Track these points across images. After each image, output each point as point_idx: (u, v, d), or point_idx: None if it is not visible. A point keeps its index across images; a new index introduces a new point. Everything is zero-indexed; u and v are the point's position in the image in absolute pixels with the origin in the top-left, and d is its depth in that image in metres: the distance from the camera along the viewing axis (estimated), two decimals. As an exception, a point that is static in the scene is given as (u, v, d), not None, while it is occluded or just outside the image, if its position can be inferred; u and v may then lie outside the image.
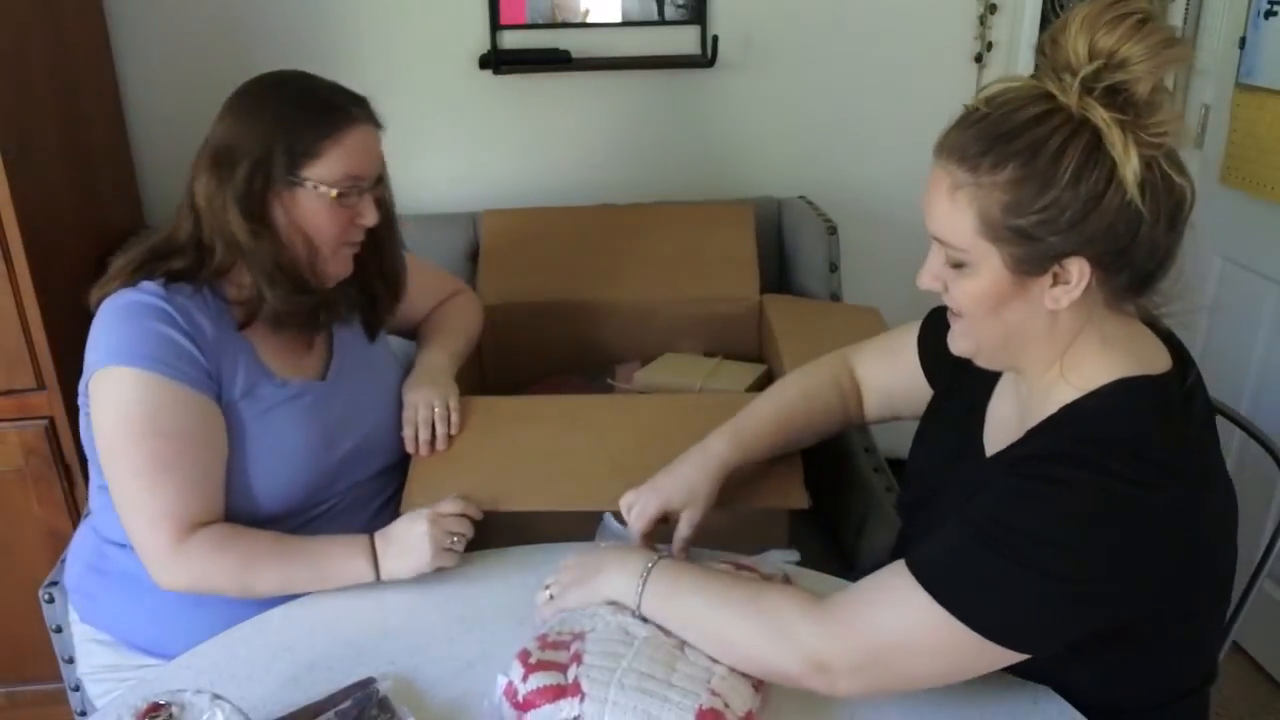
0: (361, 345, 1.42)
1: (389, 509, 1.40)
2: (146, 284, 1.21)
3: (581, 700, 0.94)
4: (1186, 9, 2.25)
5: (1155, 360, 0.96)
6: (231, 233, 1.21)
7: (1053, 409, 0.97)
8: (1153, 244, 0.89)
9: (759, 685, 0.98)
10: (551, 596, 1.10)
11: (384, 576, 1.19)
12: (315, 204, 1.23)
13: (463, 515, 1.23)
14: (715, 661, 0.99)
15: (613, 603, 1.07)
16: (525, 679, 0.97)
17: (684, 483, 1.20)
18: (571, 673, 0.97)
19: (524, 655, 1.00)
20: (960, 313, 0.99)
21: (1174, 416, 0.93)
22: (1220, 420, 1.31)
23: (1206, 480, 0.93)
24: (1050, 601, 0.88)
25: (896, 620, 0.91)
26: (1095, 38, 0.86)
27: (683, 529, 1.18)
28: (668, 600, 1.02)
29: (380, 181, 1.31)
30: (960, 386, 1.16)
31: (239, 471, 1.23)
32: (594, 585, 1.07)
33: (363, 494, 1.38)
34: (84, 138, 1.87)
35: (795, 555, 1.20)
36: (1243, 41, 2.05)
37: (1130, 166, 0.85)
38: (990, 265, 0.92)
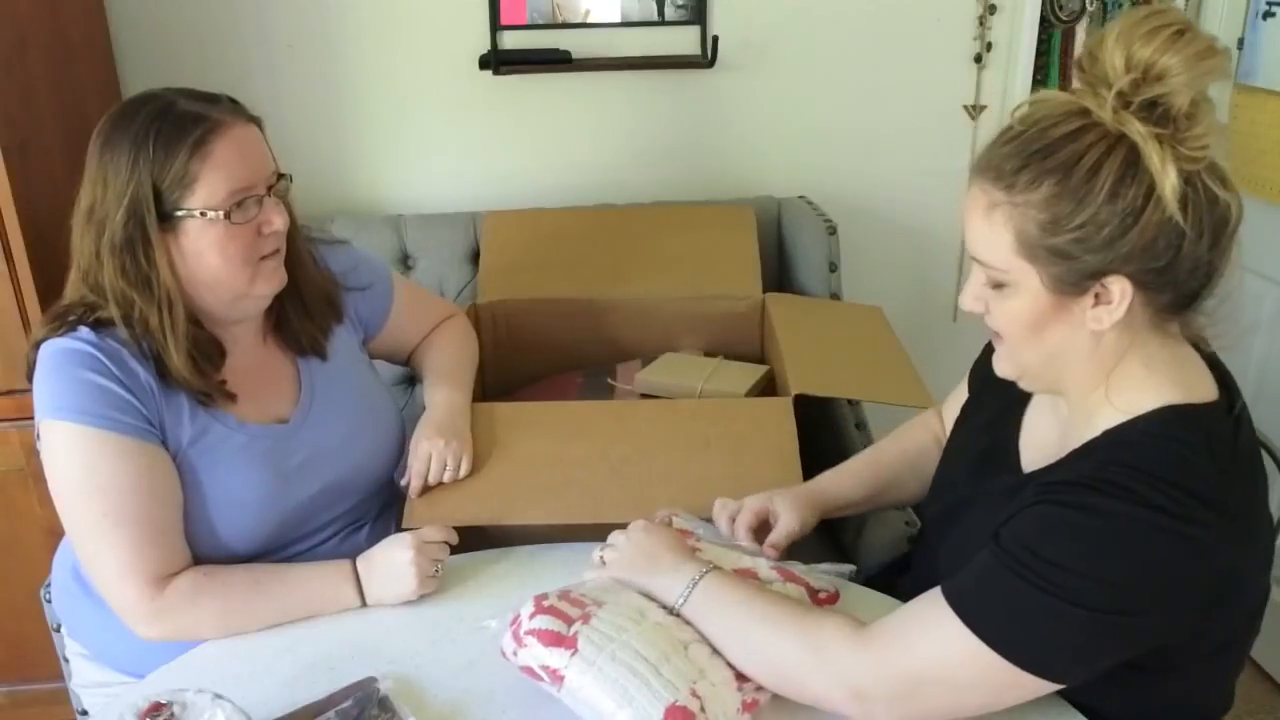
0: (338, 379, 1.35)
1: (379, 526, 1.39)
2: (82, 329, 1.15)
3: (572, 655, 0.97)
4: (1185, 10, 2.25)
5: (1202, 388, 0.94)
6: (120, 289, 1.14)
7: (1095, 432, 0.94)
8: (1195, 261, 0.87)
9: (749, 706, 0.98)
10: (604, 561, 1.11)
11: (370, 602, 1.17)
12: (209, 232, 1.13)
13: (444, 542, 1.21)
14: (715, 669, 0.99)
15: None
16: (532, 617, 1.01)
17: (778, 491, 1.24)
18: (574, 628, 0.99)
19: (540, 598, 1.03)
20: (1002, 335, 0.97)
21: (1220, 449, 0.90)
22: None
23: (1249, 515, 0.91)
24: (1085, 633, 0.87)
25: (933, 650, 0.90)
26: (1132, 50, 0.84)
27: (784, 525, 1.19)
28: (710, 611, 1.02)
29: (280, 178, 1.20)
30: (991, 393, 1.14)
31: (199, 518, 1.18)
32: (643, 576, 1.07)
33: (345, 525, 1.35)
34: (84, 138, 1.86)
35: (850, 568, 1.20)
36: (1241, 42, 2.05)
37: (1169, 182, 0.83)
38: (1029, 285, 0.90)
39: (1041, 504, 0.90)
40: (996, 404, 1.14)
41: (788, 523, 1.20)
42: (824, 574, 1.16)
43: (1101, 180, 0.84)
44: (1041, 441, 1.05)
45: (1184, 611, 0.88)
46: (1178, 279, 0.88)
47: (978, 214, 0.92)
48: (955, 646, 0.89)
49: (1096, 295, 0.89)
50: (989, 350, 1.15)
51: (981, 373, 1.19)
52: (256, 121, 1.20)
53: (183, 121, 1.12)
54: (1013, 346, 0.97)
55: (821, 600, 1.11)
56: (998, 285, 0.93)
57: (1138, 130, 0.84)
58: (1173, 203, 0.83)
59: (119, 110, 1.16)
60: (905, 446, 1.34)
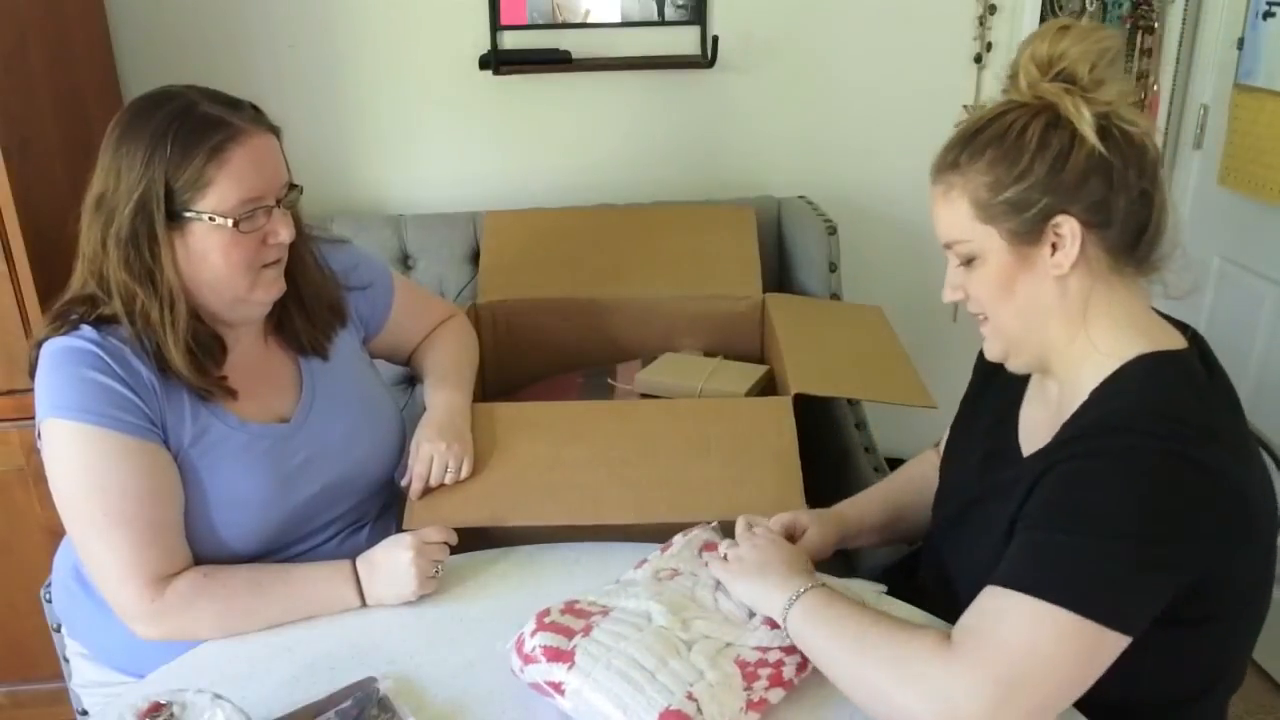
0: (339, 378, 1.35)
1: (379, 527, 1.39)
2: (84, 328, 1.14)
3: (569, 668, 0.98)
4: (1185, 10, 2.25)
5: (1169, 339, 1.02)
6: (123, 281, 1.13)
7: (1083, 396, 1.01)
8: (1129, 190, 0.97)
9: (756, 705, 0.98)
10: (726, 558, 1.13)
11: (370, 603, 1.18)
12: (215, 237, 1.14)
13: (444, 543, 1.21)
14: (718, 667, 0.99)
15: (671, 572, 1.13)
16: (534, 634, 1.03)
17: (803, 510, 1.28)
18: (574, 641, 1.01)
19: (542, 614, 1.05)
20: (982, 310, 1.06)
21: (1199, 386, 0.99)
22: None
23: (1240, 443, 0.98)
24: (1137, 566, 0.90)
25: (1012, 635, 0.89)
26: (1035, 50, 1.00)
27: (810, 536, 1.23)
28: (806, 631, 1.01)
29: (292, 189, 1.21)
30: (985, 396, 1.21)
31: (201, 518, 1.18)
32: (754, 587, 1.08)
33: (346, 525, 1.35)
34: (84, 138, 1.87)
35: (881, 588, 1.20)
36: (1241, 42, 2.05)
37: (1085, 121, 0.96)
38: (993, 247, 1.01)
39: (1053, 468, 0.96)
40: (991, 409, 1.19)
41: (812, 536, 1.23)
42: (854, 591, 1.15)
43: (1030, 136, 0.98)
44: (1037, 427, 1.09)
45: (1211, 533, 0.92)
46: (1118, 210, 0.98)
47: (939, 202, 1.05)
48: (1031, 621, 0.89)
49: (1053, 245, 0.99)
50: (977, 373, 1.25)
51: (975, 384, 1.26)
52: (276, 131, 1.20)
53: (203, 125, 1.12)
54: (993, 317, 1.06)
55: None
56: (969, 261, 1.04)
57: (1049, 90, 0.98)
58: (1092, 135, 0.96)
59: (140, 103, 1.16)
60: (912, 474, 1.39)
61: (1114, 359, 1.00)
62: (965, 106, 1.07)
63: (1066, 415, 1.02)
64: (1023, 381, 1.15)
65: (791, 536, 1.22)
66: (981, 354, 1.14)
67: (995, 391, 1.19)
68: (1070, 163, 0.96)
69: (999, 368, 1.11)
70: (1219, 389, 1.01)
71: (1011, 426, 1.14)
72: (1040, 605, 0.89)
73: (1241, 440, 0.99)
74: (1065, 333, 1.02)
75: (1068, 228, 0.97)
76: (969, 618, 0.94)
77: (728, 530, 1.23)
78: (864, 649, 0.96)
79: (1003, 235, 1.00)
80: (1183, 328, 1.06)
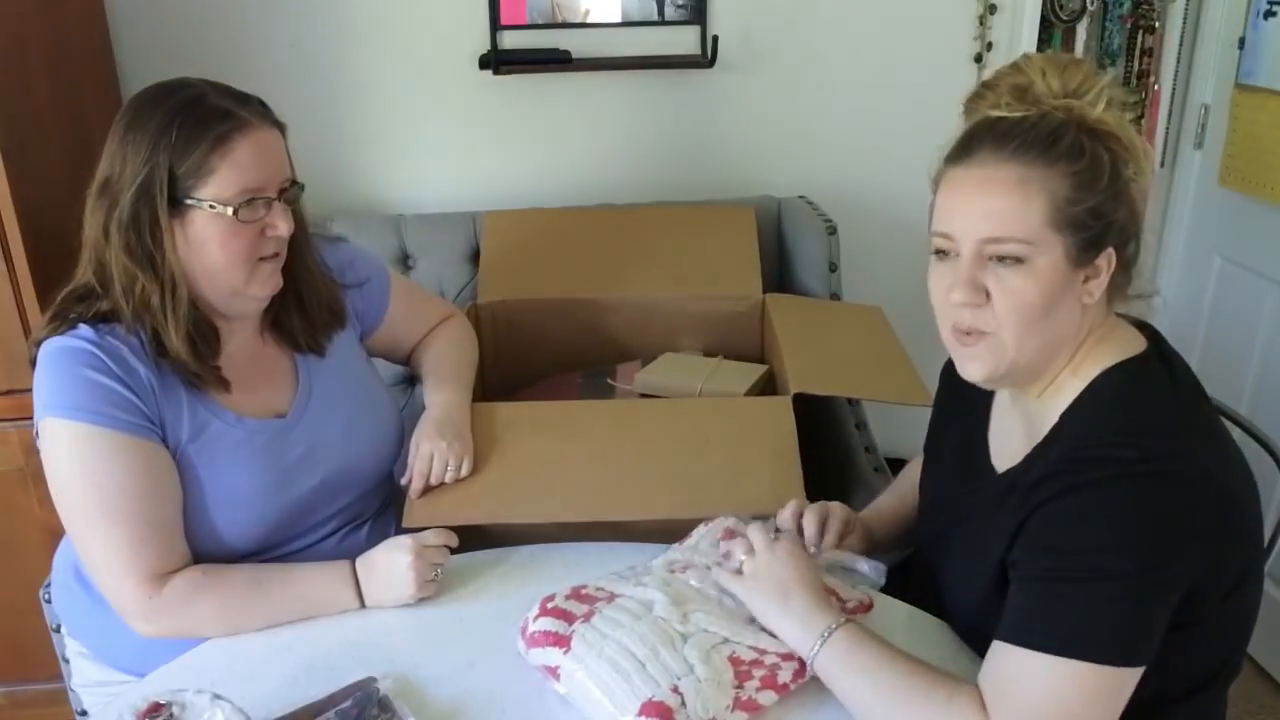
0: (336, 375, 1.35)
1: (379, 525, 1.39)
2: (82, 327, 1.15)
3: (565, 653, 1.01)
4: (1186, 9, 2.25)
5: (1132, 342, 1.03)
6: (125, 266, 1.14)
7: (1054, 418, 1.00)
8: (1140, 231, 0.99)
9: (746, 705, 0.98)
10: (741, 569, 1.10)
11: (368, 604, 1.18)
12: (214, 225, 1.14)
13: (444, 546, 1.21)
14: (711, 663, 0.99)
15: (675, 566, 1.13)
16: (536, 619, 1.05)
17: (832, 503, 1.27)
18: (573, 627, 1.03)
19: (546, 599, 1.08)
20: (1005, 321, 0.97)
21: (1161, 388, 0.99)
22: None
23: (1213, 435, 0.99)
24: (1134, 601, 0.90)
25: (1039, 696, 0.90)
26: (1064, 79, 0.97)
27: (834, 519, 1.23)
28: (837, 673, 1.00)
29: (292, 185, 1.22)
30: (952, 408, 1.20)
31: (199, 514, 1.19)
32: (775, 613, 1.04)
33: (345, 521, 1.35)
34: (84, 137, 1.87)
35: (882, 568, 1.19)
36: (1242, 42, 2.05)
37: (1150, 158, 0.96)
38: (1052, 258, 0.95)
39: (1036, 510, 0.95)
40: (960, 424, 1.18)
41: (854, 544, 1.23)
42: (856, 576, 1.16)
43: (1104, 161, 0.95)
44: (1010, 443, 1.09)
45: (1199, 538, 0.92)
46: (1133, 248, 0.99)
47: (1003, 188, 0.95)
48: (1056, 681, 0.90)
49: (1086, 274, 0.97)
50: (944, 383, 1.23)
51: (942, 394, 1.25)
52: (281, 127, 1.21)
53: (210, 115, 1.14)
54: (1012, 334, 0.97)
55: (852, 611, 1.10)
56: (1015, 261, 0.95)
57: (1113, 120, 0.96)
58: (1150, 176, 0.97)
59: (150, 91, 1.17)
60: (913, 475, 1.36)
61: (1082, 377, 1.00)
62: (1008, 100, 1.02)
63: (1039, 434, 1.02)
64: (989, 392, 1.13)
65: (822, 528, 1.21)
66: (949, 364, 1.10)
67: (962, 403, 1.17)
68: (1126, 197, 0.97)
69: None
70: (1182, 383, 1.01)
71: (981, 439, 1.14)
72: (1061, 663, 0.90)
73: (1214, 431, 0.99)
74: (1065, 358, 1.01)
75: (1105, 260, 0.97)
76: (996, 680, 0.93)
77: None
78: (903, 703, 0.96)
79: (1066, 250, 0.95)
80: (1136, 324, 1.06)
